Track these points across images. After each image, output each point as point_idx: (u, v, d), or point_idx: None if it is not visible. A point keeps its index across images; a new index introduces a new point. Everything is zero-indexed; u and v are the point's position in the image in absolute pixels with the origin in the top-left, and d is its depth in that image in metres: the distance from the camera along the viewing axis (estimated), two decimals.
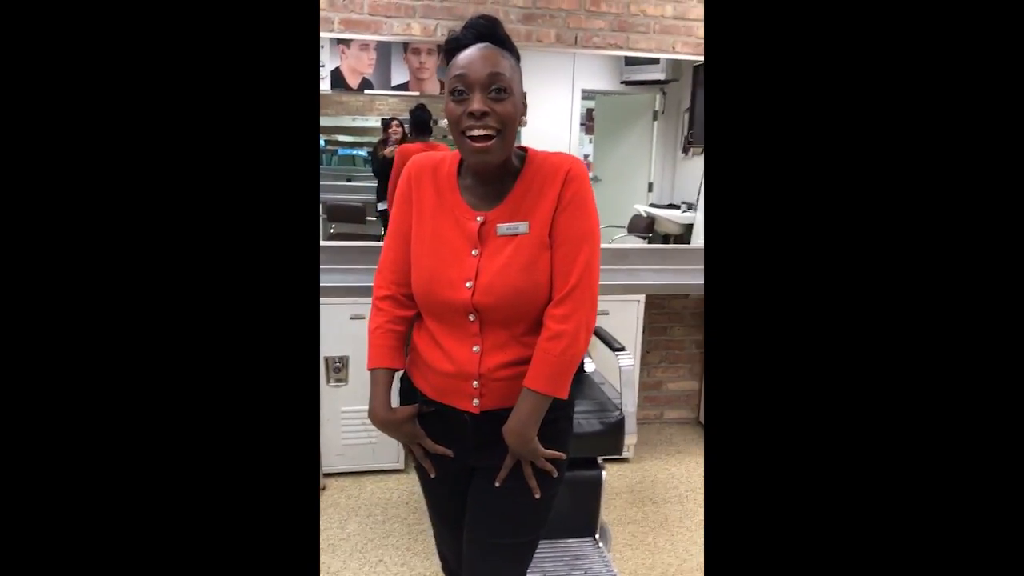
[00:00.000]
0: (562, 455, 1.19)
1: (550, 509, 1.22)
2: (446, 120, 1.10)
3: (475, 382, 1.14)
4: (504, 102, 1.06)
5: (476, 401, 1.15)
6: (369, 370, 1.20)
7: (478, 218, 1.13)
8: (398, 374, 1.23)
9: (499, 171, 1.13)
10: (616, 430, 1.97)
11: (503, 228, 1.12)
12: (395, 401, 1.22)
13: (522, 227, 1.12)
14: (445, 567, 1.43)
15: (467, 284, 1.11)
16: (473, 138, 1.06)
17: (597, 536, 2.08)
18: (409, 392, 1.24)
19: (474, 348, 1.13)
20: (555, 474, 1.18)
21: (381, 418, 1.19)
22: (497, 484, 1.17)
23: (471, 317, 1.12)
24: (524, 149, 1.17)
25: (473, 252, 1.12)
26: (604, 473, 2.05)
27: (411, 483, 2.54)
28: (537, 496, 1.17)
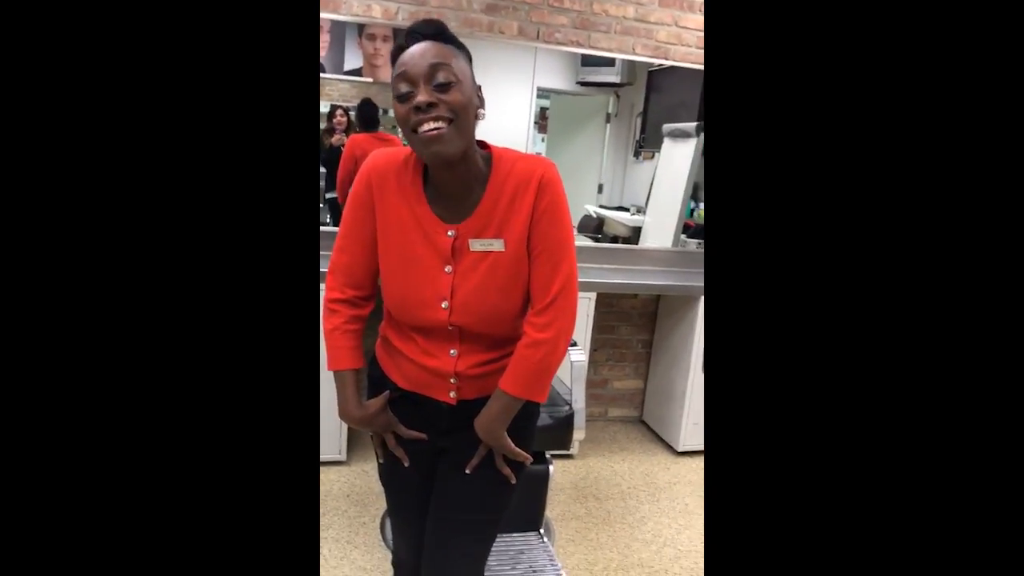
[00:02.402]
0: (527, 457, 1.20)
1: (515, 490, 1.23)
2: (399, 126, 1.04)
3: (452, 379, 1.14)
4: (451, 91, 0.98)
5: (453, 393, 1.15)
6: (332, 371, 1.17)
7: (449, 232, 1.07)
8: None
9: (463, 175, 1.06)
10: (565, 425, 1.98)
11: (476, 244, 1.07)
12: (364, 388, 1.21)
13: (497, 244, 1.07)
14: (395, 558, 1.40)
15: (443, 304, 1.08)
16: (424, 134, 0.99)
17: (542, 531, 2.08)
18: (380, 381, 1.22)
19: (452, 351, 1.13)
20: (529, 462, 1.20)
21: (355, 416, 1.17)
22: (468, 471, 1.17)
23: (449, 327, 1.11)
24: (488, 150, 1.11)
25: (446, 269, 1.08)
26: (552, 468, 2.05)
27: (352, 475, 2.47)
28: (513, 482, 1.19)
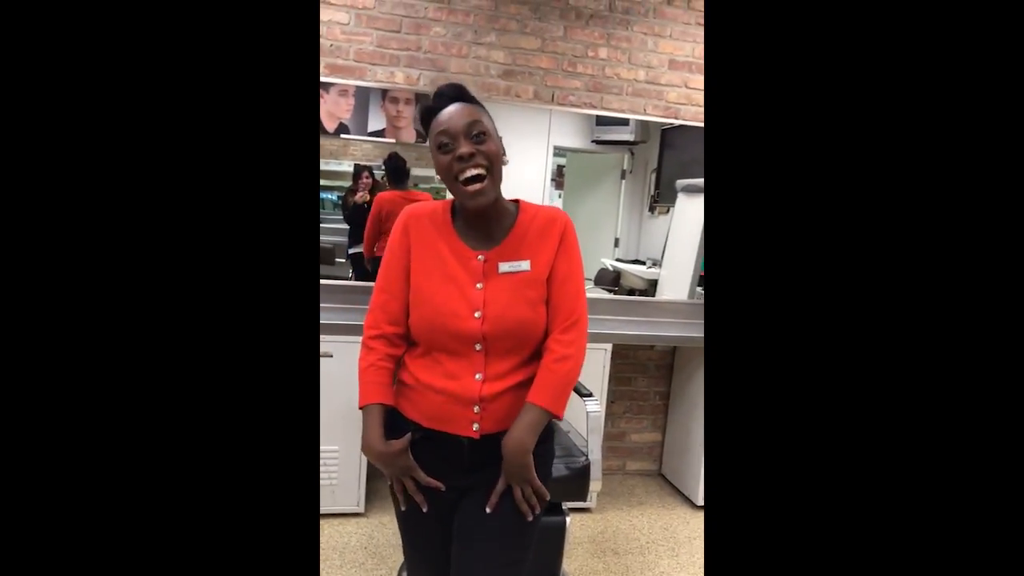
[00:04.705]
0: (546, 493, 1.24)
1: (537, 530, 1.26)
2: (437, 176, 1.21)
3: (476, 407, 1.19)
4: (486, 143, 1.19)
5: (476, 426, 1.20)
6: (362, 407, 1.24)
7: (479, 256, 1.23)
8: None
9: (492, 212, 1.24)
10: (582, 476, 1.97)
11: (505, 267, 1.23)
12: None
13: (524, 265, 1.23)
14: None
15: (476, 315, 1.19)
16: (467, 181, 1.17)
17: None
18: (397, 426, 1.26)
19: (477, 376, 1.20)
20: (547, 497, 1.24)
21: (378, 451, 1.22)
22: (488, 510, 1.20)
23: (477, 347, 1.20)
24: (516, 201, 1.30)
25: (477, 286, 1.21)
26: (568, 520, 2.04)
27: (370, 527, 2.47)
28: (530, 519, 1.22)
